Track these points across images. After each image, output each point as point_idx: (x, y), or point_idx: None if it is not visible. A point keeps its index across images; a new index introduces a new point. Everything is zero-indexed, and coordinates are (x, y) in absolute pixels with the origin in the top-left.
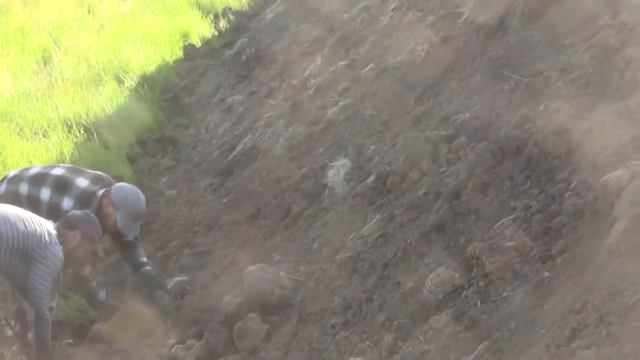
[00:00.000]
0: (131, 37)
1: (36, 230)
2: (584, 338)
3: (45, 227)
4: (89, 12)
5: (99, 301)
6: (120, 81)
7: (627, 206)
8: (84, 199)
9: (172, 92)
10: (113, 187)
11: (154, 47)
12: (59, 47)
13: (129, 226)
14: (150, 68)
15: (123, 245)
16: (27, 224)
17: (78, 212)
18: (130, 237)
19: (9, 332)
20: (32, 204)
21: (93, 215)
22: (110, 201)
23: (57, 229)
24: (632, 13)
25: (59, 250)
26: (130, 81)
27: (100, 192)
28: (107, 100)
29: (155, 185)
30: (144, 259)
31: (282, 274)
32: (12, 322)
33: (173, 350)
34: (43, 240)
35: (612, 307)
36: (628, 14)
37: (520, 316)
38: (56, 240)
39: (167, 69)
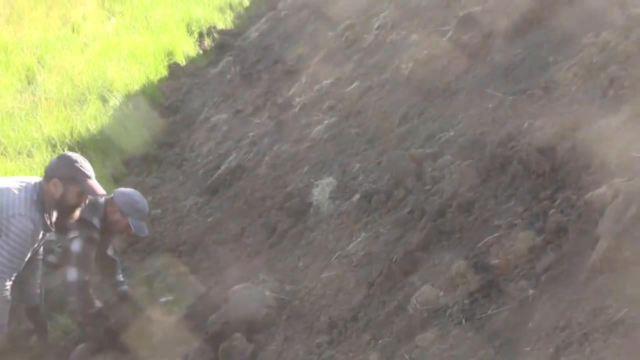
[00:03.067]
0: (115, 56)
1: (9, 201)
2: (568, 355)
3: (24, 195)
4: (73, 30)
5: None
6: (104, 100)
7: (610, 224)
8: (90, 207)
9: (156, 111)
10: (114, 194)
11: (138, 66)
12: (42, 66)
13: (141, 227)
14: (135, 87)
15: (104, 261)
16: (3, 195)
17: (52, 160)
18: (144, 235)
19: None
20: None
21: (67, 155)
22: (115, 209)
23: (41, 187)
24: (615, 32)
25: (26, 222)
26: (115, 100)
27: (102, 199)
28: (91, 120)
29: None
30: (122, 278)
31: (267, 293)
32: None
33: None
34: (11, 211)
35: (596, 325)
36: (611, 32)
37: (505, 334)
38: (28, 209)
39: (151, 88)
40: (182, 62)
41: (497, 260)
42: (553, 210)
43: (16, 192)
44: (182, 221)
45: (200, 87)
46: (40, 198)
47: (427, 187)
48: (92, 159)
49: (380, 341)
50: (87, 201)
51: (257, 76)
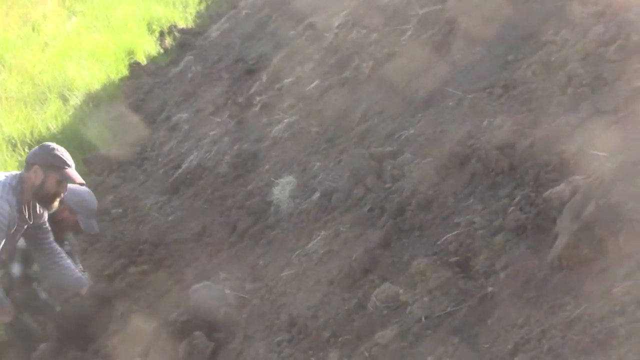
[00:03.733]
0: (76, 55)
1: None
2: (526, 352)
3: (2, 180)
4: (33, 30)
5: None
6: (65, 99)
7: (568, 221)
8: None
9: (117, 110)
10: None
11: (99, 65)
12: (2, 66)
13: (91, 225)
14: (96, 86)
15: None
16: None
17: (33, 149)
18: (94, 233)
19: None
20: None
21: (47, 144)
22: (64, 206)
23: (21, 177)
24: (573, 30)
25: (1, 203)
26: (75, 99)
27: None
28: (51, 119)
29: (101, 204)
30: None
31: (228, 291)
32: None
33: None
34: None
35: (554, 322)
36: (570, 30)
37: (464, 331)
38: (5, 193)
39: (112, 87)
40: (143, 61)
41: (456, 258)
42: (512, 207)
43: (11, 179)
44: (143, 220)
45: (161, 86)
46: (19, 186)
47: (387, 186)
48: None
49: (340, 339)
50: (65, 192)
51: (218, 75)
